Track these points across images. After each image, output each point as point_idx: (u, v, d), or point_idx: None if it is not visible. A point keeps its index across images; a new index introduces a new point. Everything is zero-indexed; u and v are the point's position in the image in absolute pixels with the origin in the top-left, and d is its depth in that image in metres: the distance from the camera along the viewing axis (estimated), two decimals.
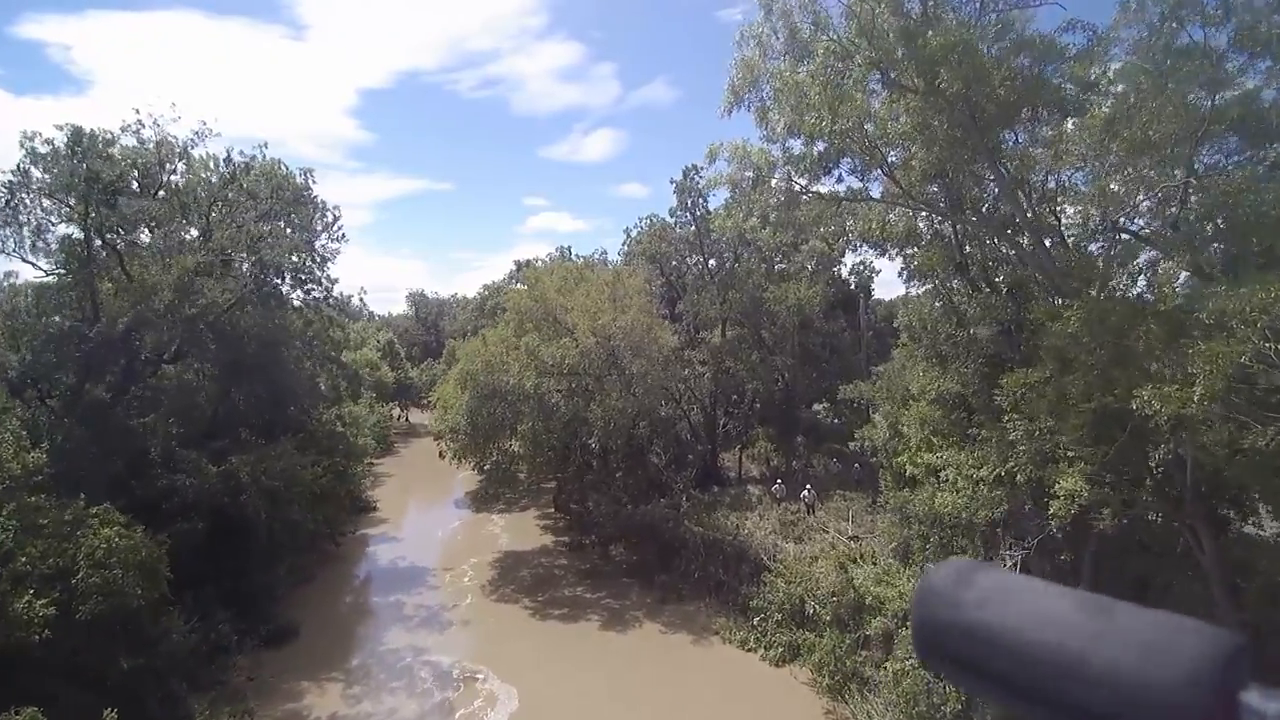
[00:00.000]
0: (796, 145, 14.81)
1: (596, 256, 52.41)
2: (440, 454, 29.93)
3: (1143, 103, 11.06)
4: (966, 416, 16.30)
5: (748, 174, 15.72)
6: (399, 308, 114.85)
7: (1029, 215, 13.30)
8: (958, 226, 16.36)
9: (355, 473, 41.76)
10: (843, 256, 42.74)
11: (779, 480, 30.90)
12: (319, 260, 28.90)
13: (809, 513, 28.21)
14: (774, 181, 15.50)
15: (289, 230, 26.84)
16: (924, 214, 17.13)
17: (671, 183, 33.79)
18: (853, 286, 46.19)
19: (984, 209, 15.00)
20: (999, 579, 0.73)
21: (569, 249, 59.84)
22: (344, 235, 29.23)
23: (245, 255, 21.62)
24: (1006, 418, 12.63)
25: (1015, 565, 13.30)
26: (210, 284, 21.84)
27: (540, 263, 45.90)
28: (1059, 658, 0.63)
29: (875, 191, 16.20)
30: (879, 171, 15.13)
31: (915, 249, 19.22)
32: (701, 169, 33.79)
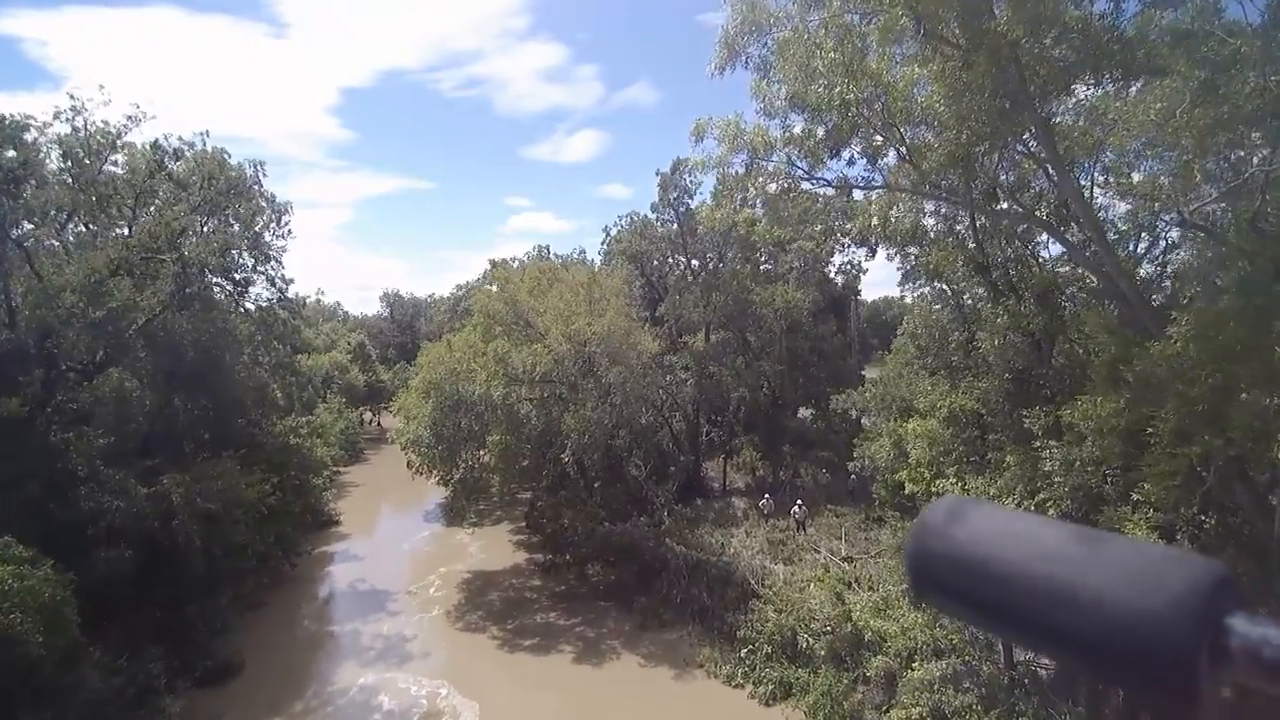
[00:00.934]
0: (798, 123, 12.87)
1: (575, 255, 50.24)
2: (409, 464, 27.65)
3: (1242, 65, 9.11)
4: (981, 437, 14.50)
5: (740, 156, 13.75)
6: (376, 308, 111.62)
7: (1085, 204, 11.39)
8: (979, 222, 14.53)
9: (316, 486, 39.39)
10: (831, 256, 41.19)
11: (767, 495, 29.06)
12: (263, 258, 26.49)
13: (799, 530, 26.40)
14: (771, 164, 13.52)
15: (235, 225, 24.42)
16: (935, 209, 15.29)
17: (657, 174, 31.83)
18: (840, 287, 44.62)
19: (1023, 198, 13.11)
20: (991, 512, 0.74)
21: (547, 248, 57.58)
22: (290, 232, 26.86)
23: (167, 252, 19.23)
24: (1039, 443, 10.82)
25: None
26: (125, 284, 19.39)
27: (516, 262, 43.63)
28: (1049, 586, 0.64)
29: (882, 181, 14.24)
30: (893, 157, 13.19)
31: (921, 247, 17.39)
32: (689, 164, 31.96)
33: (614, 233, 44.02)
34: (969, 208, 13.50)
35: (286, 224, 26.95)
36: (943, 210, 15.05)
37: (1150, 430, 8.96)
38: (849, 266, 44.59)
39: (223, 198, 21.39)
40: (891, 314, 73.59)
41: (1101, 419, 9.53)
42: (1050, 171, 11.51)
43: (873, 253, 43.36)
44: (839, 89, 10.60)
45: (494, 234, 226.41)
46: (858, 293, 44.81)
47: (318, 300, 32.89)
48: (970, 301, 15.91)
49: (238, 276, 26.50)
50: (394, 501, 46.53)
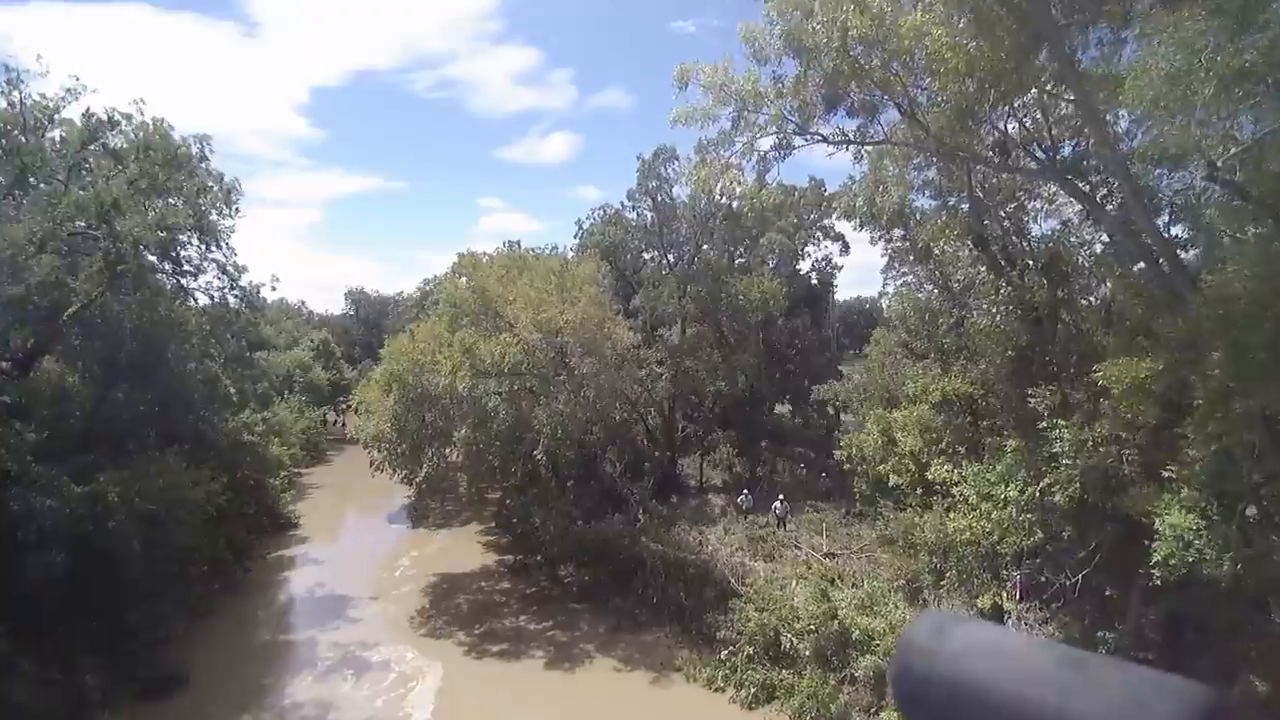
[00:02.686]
0: (792, 69, 11.92)
1: (547, 249, 49.04)
2: (371, 462, 26.13)
3: None
4: (974, 422, 13.78)
5: (727, 110, 12.76)
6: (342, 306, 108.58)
7: (1113, 151, 10.56)
8: (977, 192, 13.75)
9: (274, 486, 37.54)
10: (804, 249, 40.69)
11: (745, 490, 28.22)
12: (213, 243, 24.87)
13: (779, 526, 25.63)
14: (762, 117, 12.55)
15: (177, 202, 22.75)
16: (928, 182, 14.54)
17: (638, 158, 30.81)
18: (814, 282, 44.18)
19: (1041, 153, 12.33)
20: (977, 632, 0.73)
21: (518, 243, 56.25)
22: (238, 211, 25.28)
23: (97, 227, 17.60)
24: (1046, 424, 10.08)
25: (1049, 602, 10.79)
26: (50, 262, 17.72)
27: (486, 257, 42.32)
28: (1035, 713, 0.63)
29: (882, 136, 13.31)
30: (894, 114, 12.33)
31: (908, 230, 16.65)
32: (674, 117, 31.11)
33: (586, 225, 43.01)
34: (973, 167, 12.73)
35: (235, 204, 25.30)
36: (938, 182, 14.34)
37: (1192, 392, 8.26)
38: (823, 262, 44.30)
39: (160, 170, 19.75)
40: (863, 312, 73.92)
41: (1138, 381, 8.77)
42: (1072, 118, 10.80)
43: (846, 249, 43.23)
44: (842, 17, 9.65)
45: (466, 235, 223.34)
46: (833, 288, 44.40)
47: (272, 289, 30.92)
48: (962, 281, 15.24)
49: (183, 260, 24.80)
50: (357, 503, 44.68)
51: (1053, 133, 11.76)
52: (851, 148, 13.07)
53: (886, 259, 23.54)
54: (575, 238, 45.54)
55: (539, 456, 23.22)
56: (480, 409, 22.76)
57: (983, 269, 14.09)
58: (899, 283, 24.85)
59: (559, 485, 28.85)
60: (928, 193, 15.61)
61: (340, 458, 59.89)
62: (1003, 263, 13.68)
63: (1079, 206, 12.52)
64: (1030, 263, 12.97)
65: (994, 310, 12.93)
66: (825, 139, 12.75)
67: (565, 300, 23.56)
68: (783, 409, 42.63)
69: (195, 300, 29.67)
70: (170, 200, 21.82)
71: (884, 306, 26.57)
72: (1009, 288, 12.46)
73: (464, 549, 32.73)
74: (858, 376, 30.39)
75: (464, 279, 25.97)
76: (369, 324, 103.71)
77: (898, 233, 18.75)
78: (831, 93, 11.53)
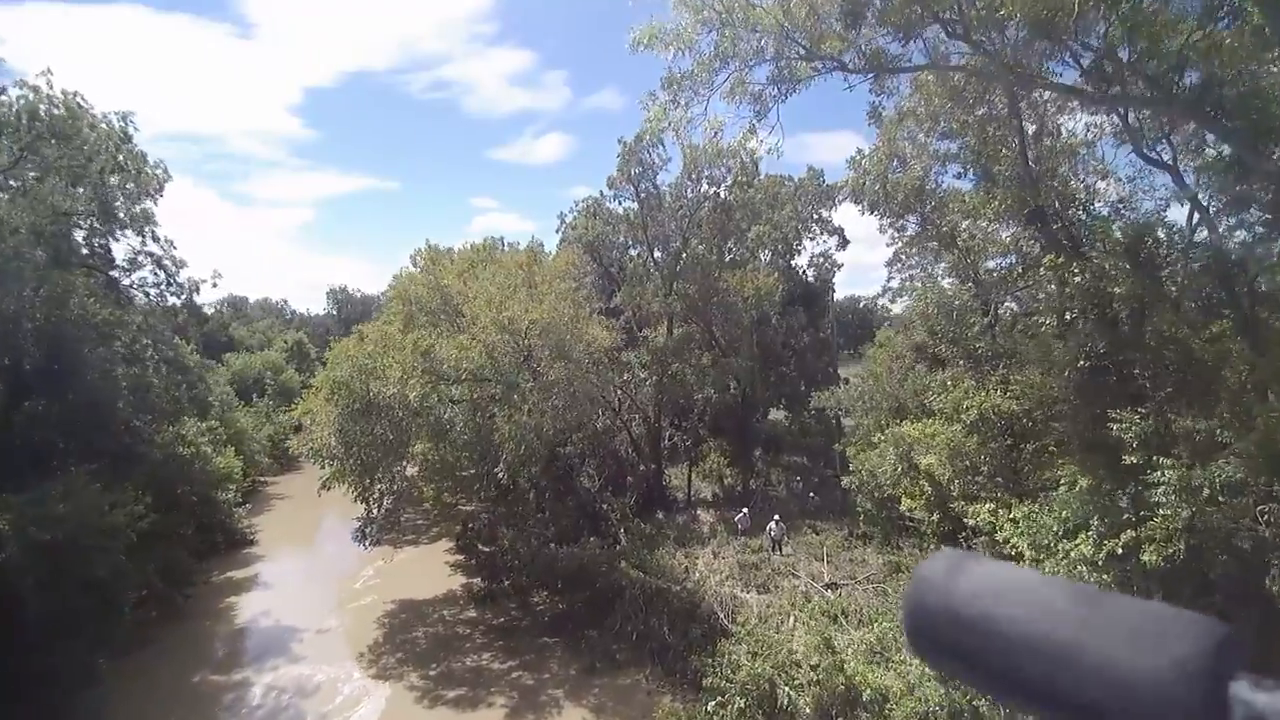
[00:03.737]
0: None
1: (531, 245, 46.37)
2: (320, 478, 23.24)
3: None
4: (1013, 446, 11.14)
5: (708, 37, 10.00)
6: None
7: None
8: (1030, 154, 11.06)
9: (224, 501, 34.63)
10: (800, 243, 38.09)
11: (744, 510, 25.46)
12: (140, 227, 22.07)
13: (774, 550, 22.96)
14: (754, 41, 9.80)
15: (79, 189, 19.90)
16: (948, 163, 11.90)
17: (620, 142, 28.07)
18: (811, 279, 41.59)
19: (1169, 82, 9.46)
20: (992, 569, 0.72)
21: (501, 240, 53.52)
22: (160, 189, 22.49)
23: None
24: (1136, 458, 7.50)
25: None
26: None
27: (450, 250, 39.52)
28: (1049, 647, 0.63)
29: (924, 59, 10.44)
30: (939, 32, 9.53)
31: (924, 214, 13.98)
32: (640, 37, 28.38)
33: (569, 219, 40.30)
34: (1024, 124, 10.04)
35: (153, 187, 22.48)
36: (973, 147, 11.68)
37: None
38: (820, 258, 41.73)
39: (43, 143, 16.86)
40: (857, 311, 71.37)
41: None
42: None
43: (845, 243, 40.62)
44: None
45: (459, 234, 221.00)
46: (832, 287, 41.79)
47: (214, 285, 28.14)
48: (996, 271, 12.67)
49: (103, 251, 21.94)
50: (323, 515, 41.76)
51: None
52: (873, 96, 10.49)
53: (893, 250, 20.95)
54: (557, 232, 42.97)
55: (501, 474, 20.45)
56: (436, 420, 20.00)
57: (1036, 250, 11.37)
58: (904, 276, 22.26)
59: (530, 502, 26.10)
60: (953, 169, 13.08)
61: (312, 466, 56.79)
62: (1066, 243, 10.97)
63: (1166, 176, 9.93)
64: (1101, 244, 10.24)
65: (1054, 306, 10.26)
66: (843, 65, 9.92)
67: (534, 296, 20.82)
68: (777, 414, 40.04)
69: (130, 298, 26.91)
70: (68, 182, 18.93)
71: (886, 304, 23.98)
72: (1081, 277, 9.72)
73: (430, 569, 29.90)
74: (857, 380, 27.81)
75: (422, 273, 23.15)
76: (350, 323, 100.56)
77: (912, 218, 16.11)
78: (853, 3, 8.79)
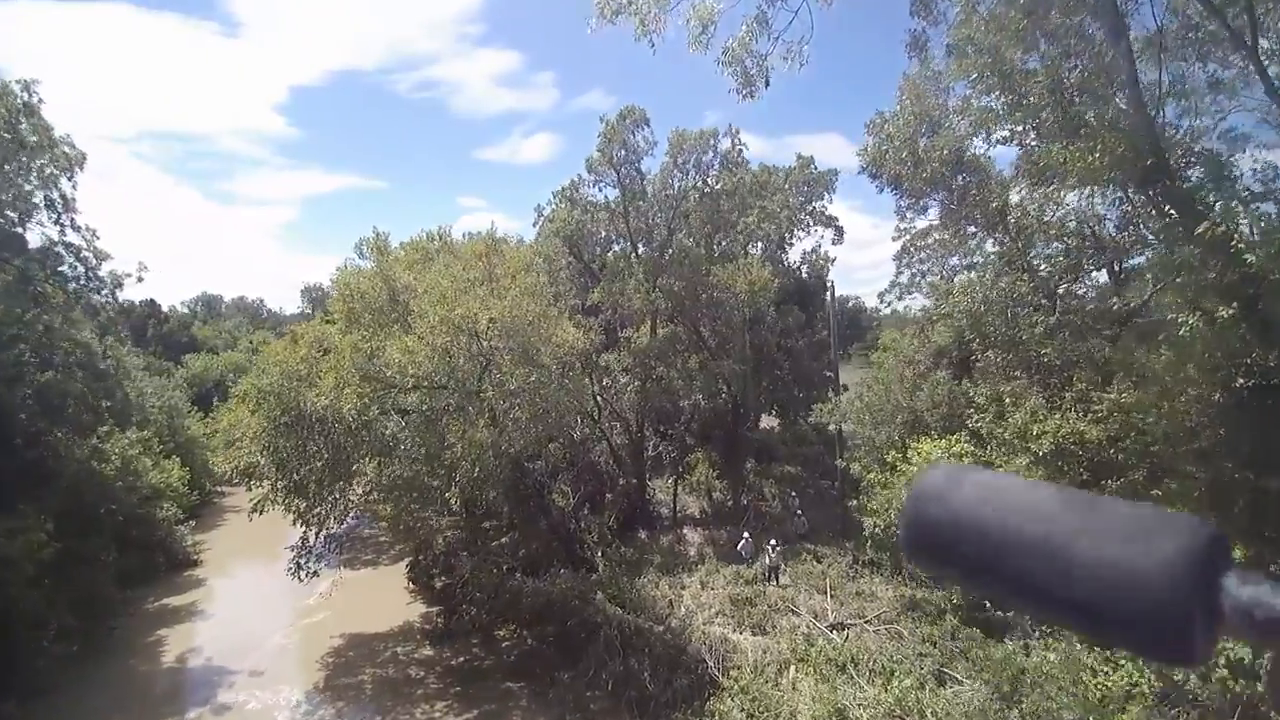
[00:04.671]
0: None
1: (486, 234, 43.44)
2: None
3: None
4: (1090, 485, 8.53)
5: None
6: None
7: None
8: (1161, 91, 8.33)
9: (164, 518, 31.48)
10: (793, 236, 35.50)
11: (746, 534, 22.65)
12: (31, 206, 19.09)
13: (770, 579, 20.31)
14: None
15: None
16: (992, 126, 9.25)
17: (601, 120, 25.32)
18: (805, 276, 39.02)
19: None
20: (988, 477, 0.74)
21: (478, 235, 50.62)
22: (73, 168, 19.60)
23: None
24: None
25: None
26: None
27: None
28: (1044, 549, 0.65)
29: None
30: None
31: (952, 190, 11.32)
32: (640, 120, 25.67)
33: (548, 211, 37.44)
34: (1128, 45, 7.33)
35: (65, 165, 19.49)
36: (1036, 95, 9.00)
37: None
38: (812, 254, 39.21)
39: None
40: (844, 311, 69.01)
41: None
42: None
43: (840, 234, 38.07)
44: None
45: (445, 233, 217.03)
46: (830, 283, 39.21)
47: (139, 279, 24.97)
48: (1064, 257, 10.10)
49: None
50: (281, 530, 38.64)
51: None
52: (916, 20, 7.87)
53: (901, 243, 18.35)
54: (534, 225, 40.08)
55: (453, 499, 17.60)
56: (377, 436, 17.14)
57: (1149, 214, 8.77)
58: (914, 271, 19.71)
59: (499, 523, 23.28)
60: (1000, 131, 10.38)
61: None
62: (1195, 213, 8.30)
63: None
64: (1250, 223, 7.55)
65: (1188, 298, 7.66)
66: None
67: (494, 292, 17.98)
68: (769, 421, 37.43)
69: (44, 294, 23.78)
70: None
71: (890, 303, 21.38)
72: (1223, 265, 6.92)
73: (387, 596, 26.93)
74: (860, 388, 25.20)
75: (369, 263, 20.22)
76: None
77: (937, 198, 13.49)
78: None
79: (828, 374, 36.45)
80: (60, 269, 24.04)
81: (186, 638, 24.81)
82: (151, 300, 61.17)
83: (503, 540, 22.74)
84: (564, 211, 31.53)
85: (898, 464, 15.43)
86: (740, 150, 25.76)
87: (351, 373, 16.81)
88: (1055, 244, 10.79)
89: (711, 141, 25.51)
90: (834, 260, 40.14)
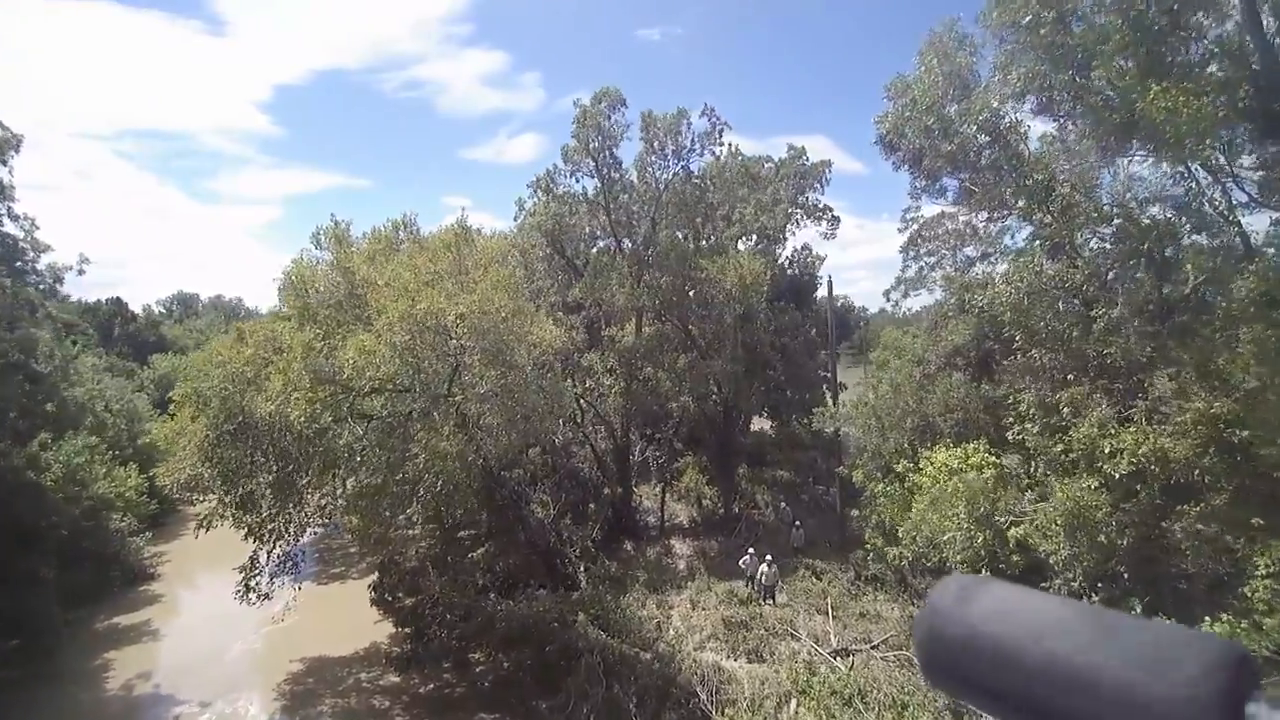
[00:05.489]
0: None
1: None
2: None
3: None
4: (1164, 511, 7.03)
5: None
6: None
7: None
8: None
9: (118, 530, 29.47)
10: (785, 230, 33.99)
11: (749, 551, 20.94)
12: None
13: (766, 598, 18.78)
14: None
15: None
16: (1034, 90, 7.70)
17: (575, 104, 23.65)
18: (798, 272, 37.60)
19: None
20: (1003, 593, 0.71)
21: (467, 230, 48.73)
22: (16, 143, 17.89)
23: None
24: None
25: None
26: None
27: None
28: (1064, 671, 0.62)
29: None
30: None
31: (996, 161, 9.80)
32: (617, 101, 23.97)
33: (529, 205, 35.72)
34: None
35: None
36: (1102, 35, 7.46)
37: None
38: (804, 253, 37.78)
39: None
40: (837, 312, 67.82)
41: None
42: None
43: (836, 224, 36.64)
44: None
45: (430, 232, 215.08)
46: (826, 277, 37.80)
47: (80, 272, 23.04)
48: (1101, 249, 8.62)
49: None
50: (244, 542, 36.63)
51: None
52: None
53: (909, 233, 16.90)
54: (515, 219, 38.36)
55: (414, 516, 15.91)
56: (331, 446, 15.38)
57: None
58: (923, 264, 18.31)
59: (470, 536, 21.59)
60: (1035, 100, 8.91)
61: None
62: None
63: None
64: None
65: None
66: None
67: (463, 286, 16.28)
68: (760, 422, 35.95)
69: None
70: None
71: (897, 300, 19.86)
72: None
73: (355, 613, 25.06)
74: (856, 387, 23.75)
75: (326, 254, 18.40)
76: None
77: (956, 178, 11.99)
78: None
79: (822, 374, 35.08)
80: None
81: (135, 661, 22.90)
82: (117, 299, 58.76)
83: (478, 553, 21.03)
84: (542, 204, 29.82)
85: (908, 473, 13.95)
86: (720, 131, 24.13)
87: (302, 375, 15.05)
88: (1104, 226, 9.34)
89: (686, 122, 23.85)
90: (825, 258, 38.81)
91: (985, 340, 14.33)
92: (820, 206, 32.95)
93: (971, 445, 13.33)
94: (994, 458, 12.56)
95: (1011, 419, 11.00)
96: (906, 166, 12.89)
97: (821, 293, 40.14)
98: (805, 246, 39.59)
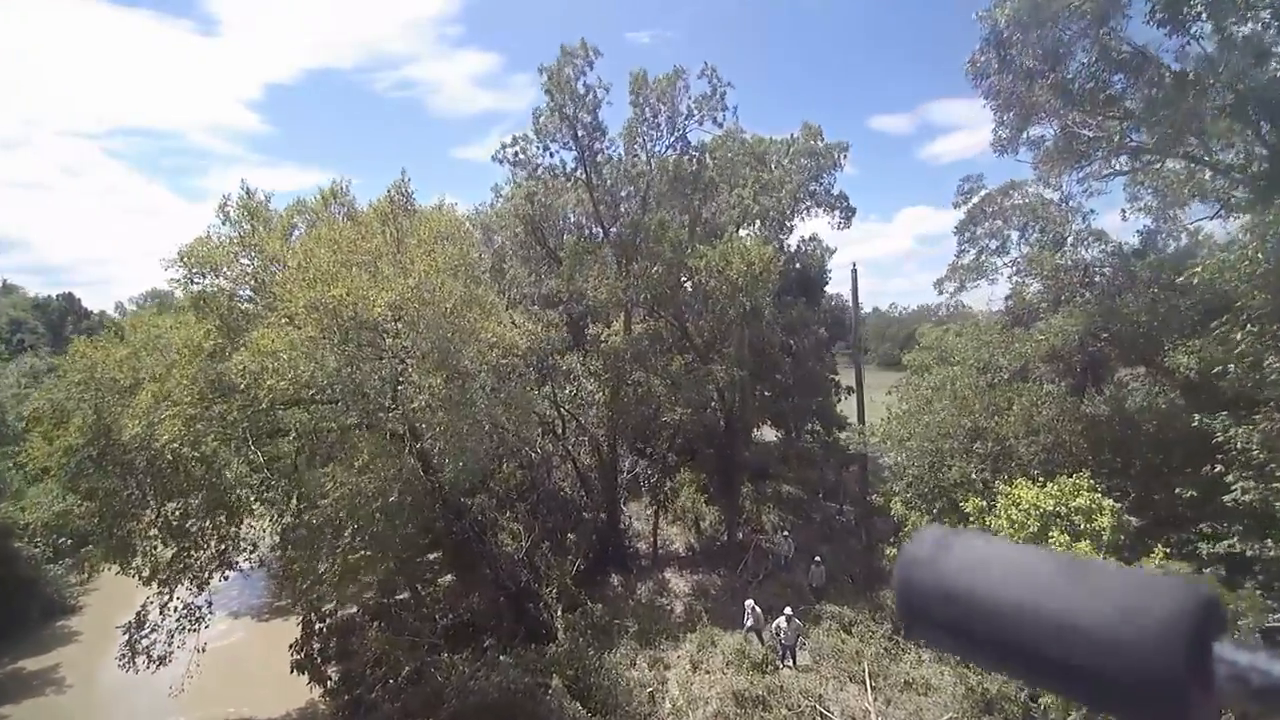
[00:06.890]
0: None
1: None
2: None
3: None
4: None
5: None
6: None
7: None
8: None
9: (33, 558, 25.66)
10: (793, 218, 30.50)
11: (749, 603, 16.97)
12: None
13: (785, 658, 15.21)
14: None
15: None
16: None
17: (540, 71, 20.03)
18: (798, 266, 34.09)
19: None
20: (977, 544, 0.73)
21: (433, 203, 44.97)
22: None
23: None
24: None
25: None
26: None
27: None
28: (1037, 617, 0.64)
29: None
30: None
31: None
32: (591, 55, 20.33)
33: (506, 190, 32.06)
34: None
35: None
36: None
37: None
38: (810, 243, 34.34)
39: None
40: (830, 310, 64.40)
41: None
42: None
43: (850, 214, 33.22)
44: None
45: None
46: (827, 272, 34.34)
47: None
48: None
49: None
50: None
51: None
52: None
53: (965, 210, 13.54)
54: (490, 206, 34.74)
55: (327, 575, 12.27)
56: (214, 481, 11.74)
57: None
58: (978, 249, 14.88)
59: (426, 570, 17.99)
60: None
61: None
62: None
63: None
64: None
65: None
66: None
67: (400, 268, 12.65)
68: (765, 432, 32.44)
69: None
70: None
71: (953, 291, 16.36)
72: None
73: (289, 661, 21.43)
74: (886, 399, 20.20)
75: (236, 232, 14.72)
76: None
77: (1057, 122, 8.54)
78: None
79: (831, 377, 31.65)
80: None
81: (39, 714, 19.18)
82: (69, 294, 54.67)
83: (430, 591, 17.41)
84: (514, 182, 26.07)
85: (981, 513, 10.54)
86: (723, 94, 20.56)
87: (182, 385, 11.39)
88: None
89: (683, 83, 20.28)
90: (834, 251, 35.41)
91: (1098, 338, 11.02)
92: (835, 194, 29.50)
93: (1071, 480, 9.94)
94: (1108, 500, 9.16)
95: (1230, 463, 7.58)
96: (998, 102, 9.55)
97: (834, 288, 36.74)
98: (814, 236, 36.22)
